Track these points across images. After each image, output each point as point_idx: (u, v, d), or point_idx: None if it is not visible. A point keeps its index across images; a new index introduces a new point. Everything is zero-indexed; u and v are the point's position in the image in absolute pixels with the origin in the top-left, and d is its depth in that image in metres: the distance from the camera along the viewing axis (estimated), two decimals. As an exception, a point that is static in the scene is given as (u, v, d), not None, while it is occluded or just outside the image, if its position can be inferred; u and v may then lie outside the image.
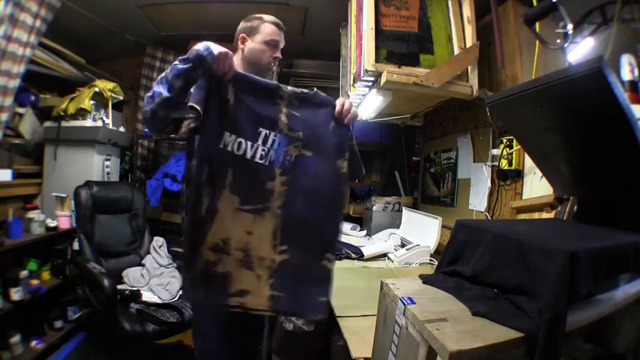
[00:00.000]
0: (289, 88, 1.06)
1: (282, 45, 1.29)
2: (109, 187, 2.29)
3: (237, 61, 1.23)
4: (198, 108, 0.93)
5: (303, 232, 1.06)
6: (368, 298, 1.26)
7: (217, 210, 0.98)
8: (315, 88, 1.11)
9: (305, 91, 1.08)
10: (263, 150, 1.03)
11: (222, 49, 0.95)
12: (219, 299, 1.01)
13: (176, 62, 0.96)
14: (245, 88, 1.02)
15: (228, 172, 0.99)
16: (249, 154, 1.01)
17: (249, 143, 1.01)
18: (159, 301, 1.93)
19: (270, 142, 1.03)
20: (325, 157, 1.08)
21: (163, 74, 0.97)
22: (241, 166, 1.01)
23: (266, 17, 1.28)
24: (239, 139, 1.00)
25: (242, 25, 1.29)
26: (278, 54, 1.28)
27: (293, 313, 1.13)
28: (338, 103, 1.08)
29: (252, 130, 1.02)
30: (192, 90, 0.96)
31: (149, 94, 0.97)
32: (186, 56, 0.94)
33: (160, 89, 0.94)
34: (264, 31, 1.25)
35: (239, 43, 1.27)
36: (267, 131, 1.03)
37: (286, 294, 1.04)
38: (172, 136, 1.20)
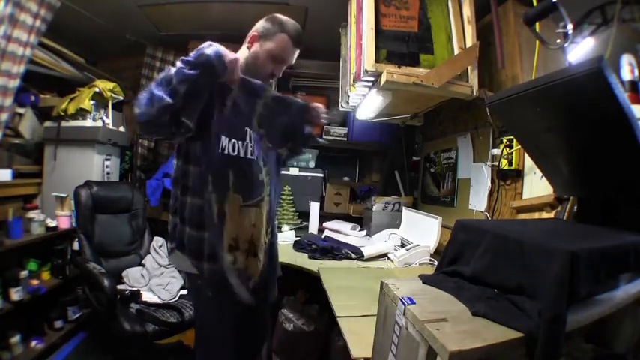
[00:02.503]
0: (271, 90, 1.18)
1: (290, 62, 1.19)
2: (109, 187, 2.29)
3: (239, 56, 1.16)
4: (191, 125, 0.96)
5: (274, 211, 1.26)
6: (368, 298, 1.26)
7: (225, 212, 1.05)
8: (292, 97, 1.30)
9: (280, 95, 1.25)
10: (250, 147, 1.09)
11: (233, 56, 0.92)
12: (245, 294, 1.11)
13: (181, 64, 0.88)
14: (242, 92, 1.07)
15: (229, 174, 1.05)
16: (242, 153, 1.07)
17: (240, 143, 1.07)
18: (159, 301, 1.93)
19: (253, 139, 1.11)
20: (275, 146, 1.24)
21: (165, 75, 0.90)
22: (238, 166, 1.07)
23: (288, 26, 1.14)
24: (232, 141, 1.05)
25: (261, 23, 1.16)
26: (279, 72, 1.19)
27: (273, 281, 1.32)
28: (311, 105, 1.28)
29: (242, 130, 1.09)
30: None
31: (146, 94, 0.89)
32: (193, 59, 0.89)
33: (161, 93, 0.87)
34: (276, 41, 1.12)
35: (248, 39, 1.15)
36: (249, 129, 1.11)
37: (268, 268, 1.22)
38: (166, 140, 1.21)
